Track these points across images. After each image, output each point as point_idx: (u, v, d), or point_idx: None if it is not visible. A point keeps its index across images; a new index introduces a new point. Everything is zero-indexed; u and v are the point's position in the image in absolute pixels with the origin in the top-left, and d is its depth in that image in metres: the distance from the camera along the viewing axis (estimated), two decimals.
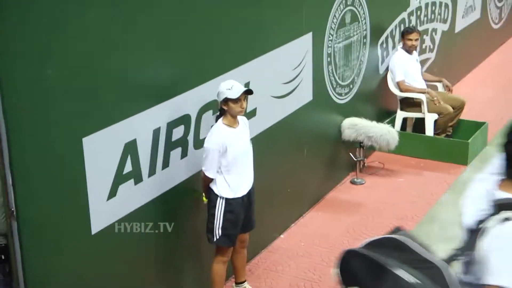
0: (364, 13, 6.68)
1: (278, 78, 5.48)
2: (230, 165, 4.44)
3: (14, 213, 3.52)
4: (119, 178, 4.06)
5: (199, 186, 4.63)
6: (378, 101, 7.39)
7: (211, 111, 4.67)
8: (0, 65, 3.28)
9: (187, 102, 4.50)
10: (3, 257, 3.89)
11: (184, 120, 4.50)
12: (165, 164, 4.40)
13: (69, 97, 3.67)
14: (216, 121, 4.46)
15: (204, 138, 4.52)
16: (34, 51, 3.45)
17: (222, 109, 4.43)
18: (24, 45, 3.39)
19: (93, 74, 3.79)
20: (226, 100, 4.38)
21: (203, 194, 4.61)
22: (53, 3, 3.52)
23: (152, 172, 4.30)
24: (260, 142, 4.93)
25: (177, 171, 4.53)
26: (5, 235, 3.84)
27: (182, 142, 4.52)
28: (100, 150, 3.90)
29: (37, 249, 3.65)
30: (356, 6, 6.51)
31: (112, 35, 3.89)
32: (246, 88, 4.44)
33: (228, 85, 4.39)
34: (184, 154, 4.56)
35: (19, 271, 3.63)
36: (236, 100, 4.37)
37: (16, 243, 3.58)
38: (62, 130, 3.67)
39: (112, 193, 4.03)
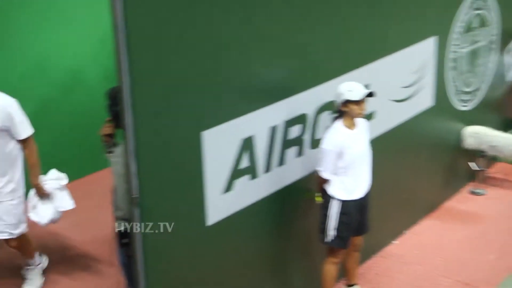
0: (493, 18, 6.45)
1: (398, 82, 5.41)
2: (347, 167, 4.44)
3: (136, 200, 3.72)
4: (236, 173, 4.17)
5: (313, 185, 4.67)
6: (503, 110, 7.11)
7: (328, 112, 4.70)
8: (132, 59, 3.45)
9: (305, 101, 4.54)
10: (127, 241, 4.11)
11: (301, 119, 4.55)
12: (281, 161, 4.47)
13: (193, 92, 3.82)
14: (333, 122, 4.48)
15: (321, 138, 4.56)
16: (164, 47, 3.61)
17: (340, 110, 4.44)
18: (156, 40, 3.56)
19: (216, 71, 3.92)
20: (347, 102, 4.38)
21: (318, 194, 4.64)
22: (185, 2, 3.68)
23: (268, 168, 4.38)
24: (377, 146, 4.87)
25: (293, 170, 4.58)
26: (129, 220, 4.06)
27: (298, 141, 4.57)
28: (219, 144, 4.02)
29: (156, 236, 3.81)
30: (485, 10, 6.30)
31: (236, 36, 4.00)
32: (369, 91, 4.41)
33: (349, 87, 4.39)
34: (300, 153, 4.61)
35: (140, 255, 3.82)
36: (357, 102, 4.36)
37: (137, 228, 3.78)
38: (184, 123, 3.82)
39: (228, 187, 4.15)
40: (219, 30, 3.89)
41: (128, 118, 3.60)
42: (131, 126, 3.60)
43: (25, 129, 4.84)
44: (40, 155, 4.97)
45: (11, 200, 4.90)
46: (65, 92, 6.84)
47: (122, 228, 4.13)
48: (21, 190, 4.98)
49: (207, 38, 3.83)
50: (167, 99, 3.71)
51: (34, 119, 5.04)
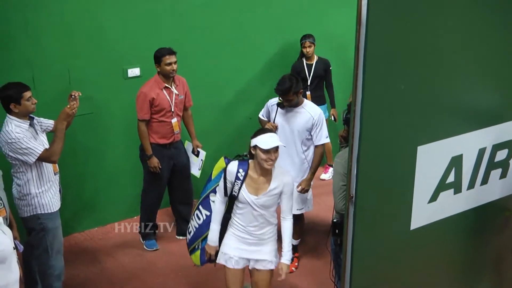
0: None
1: None
2: None
3: (353, 198, 4.09)
4: (442, 186, 4.38)
5: (511, 205, 4.77)
6: None
7: None
8: (366, 80, 3.80)
9: None
10: (337, 231, 4.52)
11: (509, 144, 4.64)
12: (484, 181, 4.61)
13: (414, 110, 4.07)
14: None
15: None
16: (395, 67, 3.91)
17: None
18: (388, 62, 3.88)
19: (437, 94, 4.14)
20: None
21: None
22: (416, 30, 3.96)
23: (471, 186, 4.55)
24: None
25: (494, 189, 4.70)
26: (342, 215, 4.46)
27: (503, 164, 4.67)
28: (430, 159, 4.25)
29: (365, 231, 4.14)
30: None
31: (458, 65, 4.17)
32: None
33: None
34: (503, 175, 4.71)
35: (349, 245, 4.18)
36: None
37: (350, 223, 4.15)
38: (402, 136, 4.10)
39: (433, 198, 4.37)
40: (445, 57, 4.09)
41: (356, 127, 3.96)
42: (357, 135, 3.95)
43: None
44: None
45: None
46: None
47: (336, 220, 4.55)
48: None
49: (433, 62, 4.05)
50: (391, 114, 4.00)
51: None
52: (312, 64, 7.39)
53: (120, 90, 6.41)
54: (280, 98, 5.58)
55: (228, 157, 4.84)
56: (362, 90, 3.85)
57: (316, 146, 5.69)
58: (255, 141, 4.32)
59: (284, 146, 4.65)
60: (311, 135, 5.63)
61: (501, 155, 4.64)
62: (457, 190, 4.49)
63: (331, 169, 7.88)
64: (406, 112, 4.06)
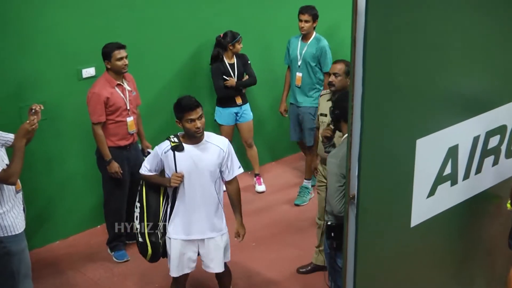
0: None
1: None
2: None
3: (354, 199, 3.80)
4: (439, 179, 4.16)
5: (503, 193, 4.60)
6: None
7: None
8: (366, 74, 3.51)
9: (505, 113, 4.45)
10: (333, 234, 4.23)
11: (500, 130, 4.47)
12: (478, 169, 4.42)
13: (412, 103, 3.83)
14: None
15: None
16: (392, 61, 3.65)
17: None
18: (387, 55, 3.60)
19: (433, 86, 3.92)
20: None
21: (509, 201, 4.57)
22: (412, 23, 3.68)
23: (466, 176, 4.35)
24: None
25: (487, 177, 4.52)
26: (338, 217, 4.16)
27: (495, 151, 4.50)
28: (428, 152, 4.02)
29: (368, 232, 3.87)
30: None
31: (449, 52, 3.95)
32: None
33: None
34: (495, 162, 4.53)
35: (351, 249, 3.91)
36: None
37: (352, 225, 3.86)
38: (402, 130, 3.85)
39: (432, 192, 4.14)
40: (441, 48, 3.87)
41: (356, 124, 3.68)
42: (357, 131, 3.68)
43: None
44: None
45: None
46: None
47: (330, 222, 4.26)
48: None
49: (430, 53, 3.83)
50: (391, 108, 3.74)
51: None
52: (233, 63, 6.68)
53: (74, 92, 5.89)
54: (174, 140, 4.47)
55: None
56: (363, 84, 3.55)
57: (230, 182, 4.70)
58: None
59: None
60: (221, 171, 4.62)
61: (494, 141, 4.46)
62: (454, 181, 4.28)
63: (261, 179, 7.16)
64: (404, 105, 3.81)
